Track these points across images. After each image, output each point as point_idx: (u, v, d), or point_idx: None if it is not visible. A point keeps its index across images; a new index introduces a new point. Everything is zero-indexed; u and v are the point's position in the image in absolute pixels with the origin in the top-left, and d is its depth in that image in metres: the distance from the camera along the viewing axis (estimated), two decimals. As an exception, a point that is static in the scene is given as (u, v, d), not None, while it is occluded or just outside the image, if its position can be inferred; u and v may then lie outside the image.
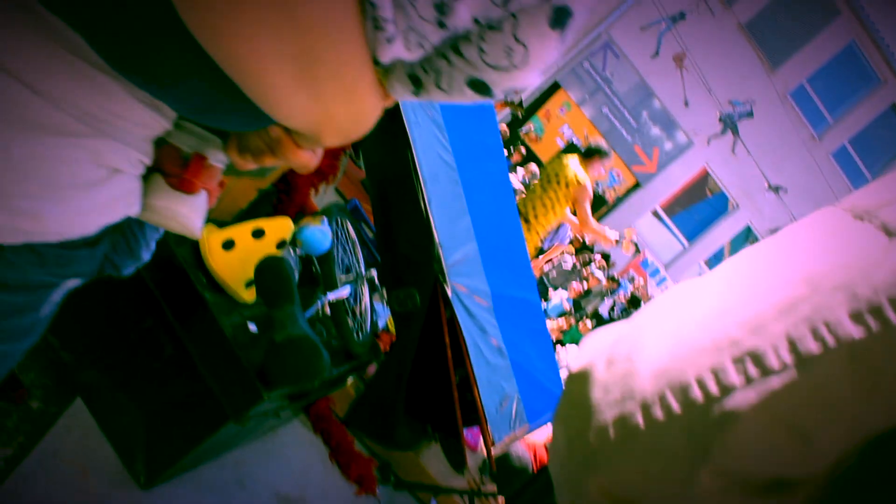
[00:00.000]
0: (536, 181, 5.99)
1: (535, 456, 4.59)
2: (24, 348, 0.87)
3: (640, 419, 0.49)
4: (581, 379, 0.56)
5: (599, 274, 11.43)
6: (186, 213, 0.94)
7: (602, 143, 5.77)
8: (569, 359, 8.65)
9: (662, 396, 0.48)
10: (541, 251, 9.49)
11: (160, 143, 0.86)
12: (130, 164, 0.79)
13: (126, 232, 1.73)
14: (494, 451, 3.47)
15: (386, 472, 3.78)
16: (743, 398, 0.43)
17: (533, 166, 10.58)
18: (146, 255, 1.81)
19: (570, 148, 11.48)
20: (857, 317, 0.41)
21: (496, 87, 0.69)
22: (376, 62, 0.64)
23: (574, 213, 5.69)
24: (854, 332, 0.40)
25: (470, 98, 0.71)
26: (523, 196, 5.94)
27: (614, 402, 0.51)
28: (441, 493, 3.88)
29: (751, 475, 0.45)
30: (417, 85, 0.69)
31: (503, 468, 4.46)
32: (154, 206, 0.91)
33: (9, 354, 0.85)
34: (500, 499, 4.16)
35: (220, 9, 0.53)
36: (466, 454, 3.84)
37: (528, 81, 0.69)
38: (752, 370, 0.44)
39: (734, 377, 0.44)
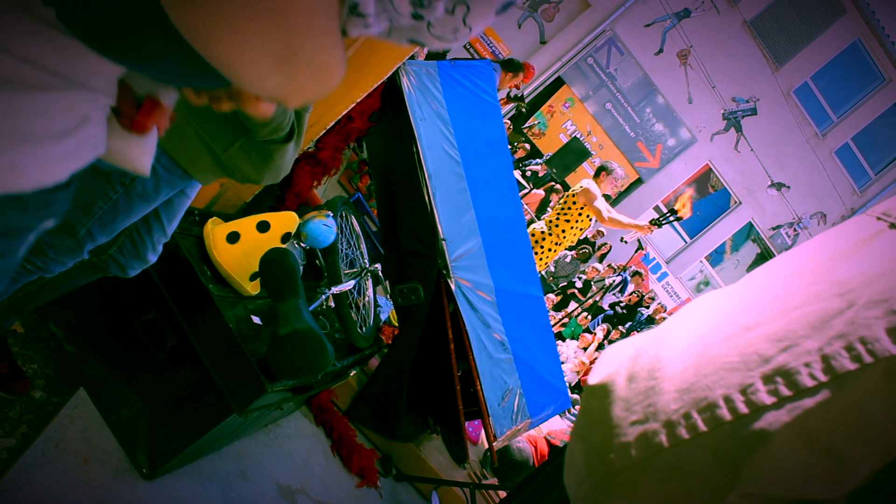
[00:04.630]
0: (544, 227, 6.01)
1: (536, 450, 4.60)
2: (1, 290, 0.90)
3: (663, 438, 0.47)
4: (601, 394, 0.53)
5: (599, 266, 11.44)
6: (137, 154, 0.97)
7: (610, 163, 6.07)
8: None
9: (687, 415, 0.46)
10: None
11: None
12: (99, 108, 0.82)
13: (133, 235, 1.74)
14: (496, 445, 3.48)
15: (387, 464, 3.79)
16: (774, 418, 0.41)
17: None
18: (152, 258, 1.82)
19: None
20: (894, 332, 0.39)
21: (432, 47, 0.76)
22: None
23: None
24: (892, 348, 0.39)
25: (402, 45, 0.78)
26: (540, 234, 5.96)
27: (636, 420, 0.49)
28: (442, 485, 3.88)
29: (781, 498, 0.43)
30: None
31: (504, 462, 4.46)
32: (107, 147, 0.93)
33: None
34: (501, 492, 4.17)
35: (209, 13, 0.55)
36: (468, 447, 3.84)
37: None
38: (784, 389, 0.42)
39: (764, 396, 0.43)
